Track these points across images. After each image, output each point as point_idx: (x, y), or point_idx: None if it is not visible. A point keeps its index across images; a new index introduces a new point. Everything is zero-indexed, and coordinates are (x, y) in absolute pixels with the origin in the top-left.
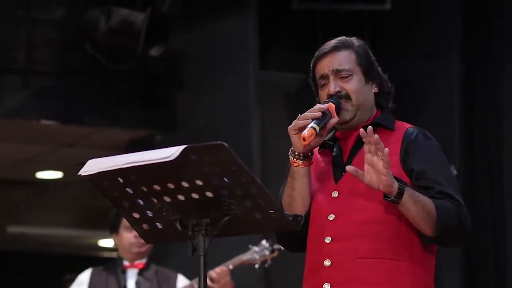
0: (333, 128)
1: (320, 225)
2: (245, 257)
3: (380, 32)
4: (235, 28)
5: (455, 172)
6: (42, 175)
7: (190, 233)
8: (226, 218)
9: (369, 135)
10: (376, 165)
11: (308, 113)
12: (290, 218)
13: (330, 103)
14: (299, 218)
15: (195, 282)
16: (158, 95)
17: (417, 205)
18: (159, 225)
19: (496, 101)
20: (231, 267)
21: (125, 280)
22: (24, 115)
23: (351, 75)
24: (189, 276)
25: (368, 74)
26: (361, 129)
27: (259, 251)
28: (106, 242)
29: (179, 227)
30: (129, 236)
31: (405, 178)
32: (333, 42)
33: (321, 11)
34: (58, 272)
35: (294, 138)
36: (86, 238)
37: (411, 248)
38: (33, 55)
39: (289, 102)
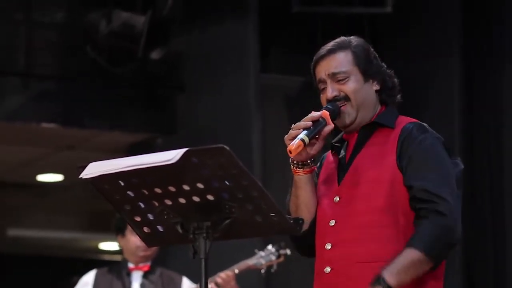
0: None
1: (322, 231)
2: (251, 261)
3: (381, 33)
4: (235, 31)
5: (461, 166)
6: (43, 178)
7: (191, 236)
8: (227, 221)
9: None
10: None
11: (301, 123)
12: (291, 221)
13: (324, 110)
14: (300, 221)
15: None
16: (158, 98)
17: (408, 274)
18: (160, 228)
19: (496, 101)
20: (236, 271)
21: (130, 283)
22: (24, 117)
23: (347, 76)
24: (189, 279)
25: (367, 73)
26: None
27: (265, 256)
28: (107, 245)
29: (180, 230)
30: (135, 239)
31: (399, 179)
32: (330, 44)
33: (321, 14)
34: (59, 275)
35: None
36: (87, 241)
37: None
38: (33, 58)
39: (289, 105)
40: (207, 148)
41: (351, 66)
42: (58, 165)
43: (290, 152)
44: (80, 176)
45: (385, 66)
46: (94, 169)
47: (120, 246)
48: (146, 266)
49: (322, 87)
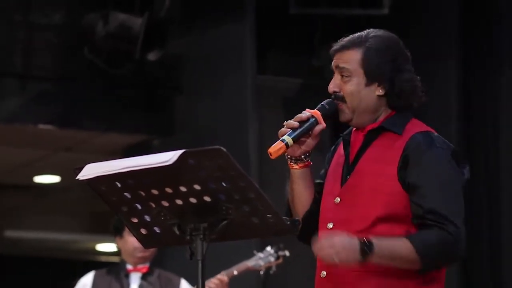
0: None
1: (321, 233)
2: (250, 263)
3: None
4: (233, 33)
5: (467, 175)
6: (40, 179)
7: (188, 237)
8: (224, 222)
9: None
10: None
11: (291, 122)
12: (288, 222)
13: (315, 110)
14: (297, 223)
15: None
16: (156, 100)
17: (392, 260)
18: (157, 230)
19: (495, 102)
20: (235, 273)
21: (128, 284)
22: (22, 119)
23: (350, 76)
24: (187, 281)
25: (372, 76)
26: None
27: (264, 258)
28: (105, 247)
29: (177, 232)
30: (133, 240)
31: (399, 190)
32: (345, 39)
33: (319, 16)
34: (57, 277)
35: None
36: (85, 242)
37: None
38: (31, 59)
39: (287, 106)
40: (203, 149)
41: (357, 66)
42: (56, 166)
43: (271, 154)
44: (77, 178)
45: (410, 68)
46: (91, 171)
47: (118, 247)
48: (144, 267)
49: (334, 73)
